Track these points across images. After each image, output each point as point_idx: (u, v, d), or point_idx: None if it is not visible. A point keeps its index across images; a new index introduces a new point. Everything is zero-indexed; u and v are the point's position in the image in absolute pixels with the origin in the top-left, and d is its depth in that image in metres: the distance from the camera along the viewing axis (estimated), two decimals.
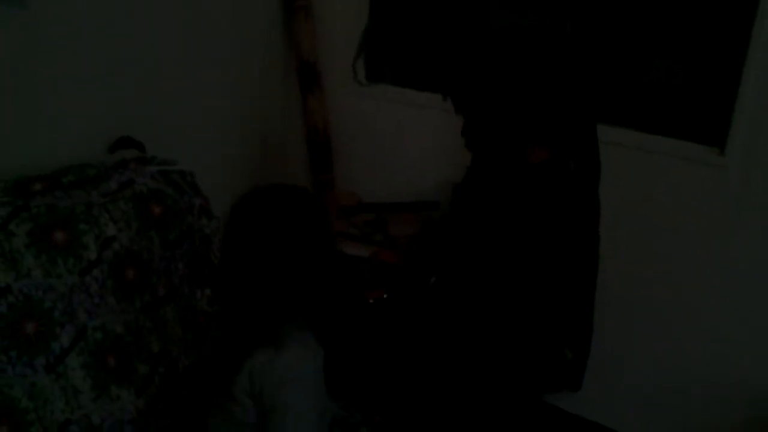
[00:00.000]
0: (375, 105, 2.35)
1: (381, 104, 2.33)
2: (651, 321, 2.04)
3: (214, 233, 1.79)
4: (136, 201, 1.65)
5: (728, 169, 1.78)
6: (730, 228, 1.83)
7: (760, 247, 1.80)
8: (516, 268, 1.51)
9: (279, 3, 2.32)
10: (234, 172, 2.26)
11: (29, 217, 1.44)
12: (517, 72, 1.48)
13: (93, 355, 1.49)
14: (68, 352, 1.45)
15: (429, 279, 1.72)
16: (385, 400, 1.69)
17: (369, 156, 2.45)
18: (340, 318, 1.44)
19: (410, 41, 2.38)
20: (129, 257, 1.60)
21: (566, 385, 2.04)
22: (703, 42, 1.83)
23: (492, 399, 1.64)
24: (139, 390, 1.56)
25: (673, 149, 1.86)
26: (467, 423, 1.63)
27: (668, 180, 1.89)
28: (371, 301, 1.84)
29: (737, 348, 1.92)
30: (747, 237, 1.81)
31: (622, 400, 2.18)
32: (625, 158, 1.89)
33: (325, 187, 2.50)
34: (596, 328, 1.82)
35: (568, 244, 1.52)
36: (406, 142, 2.35)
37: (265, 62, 2.35)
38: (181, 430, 1.58)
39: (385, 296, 1.86)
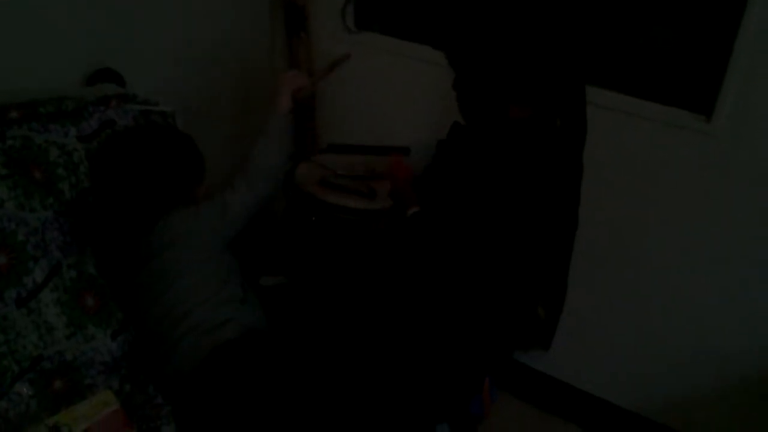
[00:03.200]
0: (363, 53, 2.30)
1: (369, 53, 2.28)
2: (626, 285, 2.06)
3: None
4: None
5: (714, 136, 1.77)
6: (714, 195, 1.84)
7: (742, 214, 1.81)
8: (494, 222, 1.51)
9: None
10: (215, 113, 2.22)
11: (4, 148, 1.41)
12: (506, 28, 1.46)
13: (68, 292, 1.48)
14: (42, 288, 1.44)
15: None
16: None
17: (353, 105, 2.42)
18: None
19: None
20: None
21: (537, 342, 2.07)
22: (696, 8, 1.81)
23: (462, 351, 1.65)
24: (115, 333, 1.56)
25: (660, 114, 1.85)
26: (435, 373, 1.65)
27: (653, 145, 1.88)
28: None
29: (712, 313, 1.95)
30: (731, 204, 1.82)
31: (592, 361, 2.22)
32: (611, 121, 1.88)
33: (307, 136, 2.47)
34: (570, 288, 1.83)
35: (547, 200, 1.52)
36: (392, 93, 2.32)
37: (252, 2, 2.30)
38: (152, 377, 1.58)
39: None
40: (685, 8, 1.81)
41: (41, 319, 1.43)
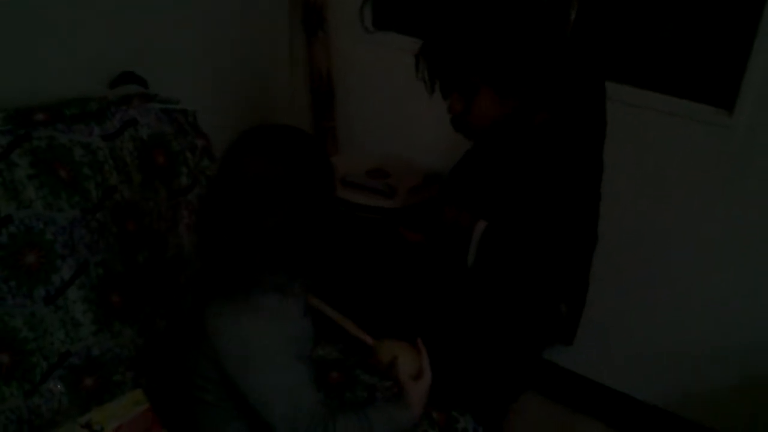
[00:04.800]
0: (381, 53, 2.31)
1: (387, 53, 2.30)
2: (648, 280, 2.06)
3: None
4: (140, 150, 1.63)
5: (736, 130, 1.77)
6: (736, 189, 1.83)
7: (763, 210, 1.81)
8: (518, 222, 1.51)
9: None
10: (235, 113, 2.24)
11: (31, 148, 1.43)
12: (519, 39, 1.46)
13: (95, 290, 1.49)
14: (69, 285, 1.45)
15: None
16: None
17: (372, 105, 2.43)
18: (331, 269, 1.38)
19: None
20: (130, 210, 1.60)
21: (559, 339, 2.06)
22: (716, 2, 1.80)
23: (491, 352, 1.66)
24: (142, 329, 1.57)
25: (681, 109, 1.84)
26: (465, 373, 1.66)
27: (674, 140, 1.88)
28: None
29: (734, 308, 1.94)
30: (753, 199, 1.81)
31: (614, 356, 2.21)
32: (631, 116, 1.88)
33: (327, 135, 2.49)
34: (592, 283, 1.83)
35: (569, 199, 1.52)
36: (411, 93, 2.32)
37: (270, 3, 2.31)
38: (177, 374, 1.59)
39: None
40: (704, 2, 1.80)
41: (68, 316, 1.45)
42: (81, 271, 1.48)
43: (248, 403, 1.21)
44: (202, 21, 2.03)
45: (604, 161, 1.62)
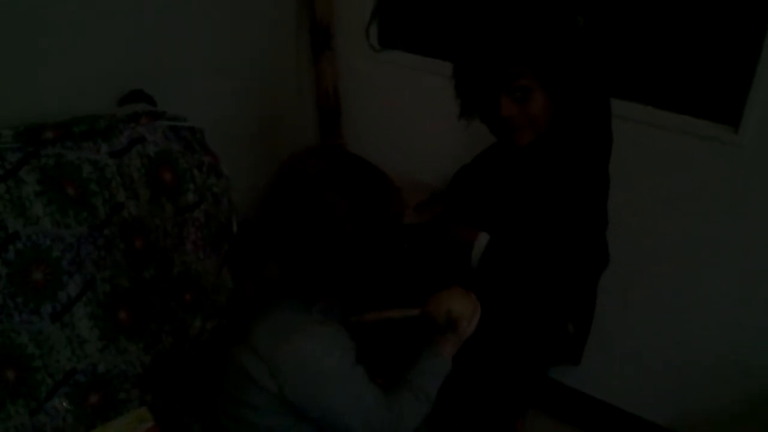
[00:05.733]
0: (387, 71, 2.33)
1: (393, 71, 2.31)
2: (653, 297, 2.05)
3: (223, 192, 1.79)
4: (147, 167, 1.64)
5: (742, 147, 1.76)
6: (743, 206, 1.82)
7: None
8: (524, 239, 1.51)
9: None
10: (243, 131, 2.25)
11: (39, 165, 1.44)
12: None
13: (102, 306, 1.50)
14: (75, 302, 1.46)
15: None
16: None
17: (379, 122, 2.44)
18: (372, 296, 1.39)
19: (425, 6, 2.35)
20: (137, 227, 1.61)
21: (566, 359, 2.05)
22: (720, 17, 1.81)
23: (498, 371, 1.65)
24: (148, 346, 1.57)
25: (686, 126, 1.84)
26: (472, 397, 1.65)
27: (679, 157, 1.87)
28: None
29: (744, 326, 1.92)
30: (758, 216, 1.81)
31: (623, 376, 2.19)
32: (635, 133, 1.88)
33: None
34: (599, 301, 1.82)
35: (575, 218, 1.52)
36: (418, 112, 2.34)
37: (277, 22, 2.33)
38: (185, 391, 1.59)
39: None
40: (709, 17, 1.81)
41: (74, 333, 1.45)
42: (88, 287, 1.48)
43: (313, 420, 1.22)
44: (209, 40, 2.05)
45: (610, 177, 1.62)
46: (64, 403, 1.40)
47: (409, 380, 1.31)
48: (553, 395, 2.28)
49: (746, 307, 1.91)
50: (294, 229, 1.16)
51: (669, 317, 2.04)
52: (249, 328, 1.23)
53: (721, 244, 1.89)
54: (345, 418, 1.21)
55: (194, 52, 2.00)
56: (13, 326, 1.36)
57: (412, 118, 2.36)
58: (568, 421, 2.26)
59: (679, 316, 2.02)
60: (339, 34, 2.36)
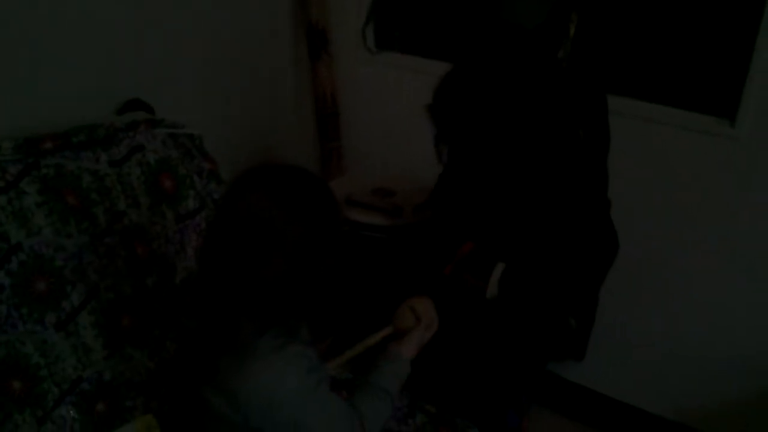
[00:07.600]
0: (384, 73, 2.34)
1: (390, 72, 2.32)
2: (654, 292, 2.06)
3: None
4: (147, 175, 1.64)
5: (739, 140, 1.77)
6: (741, 199, 1.83)
7: (767, 220, 1.80)
8: (525, 235, 1.52)
9: None
10: (242, 136, 2.26)
11: (39, 176, 1.45)
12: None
13: (105, 314, 1.50)
14: (79, 311, 1.46)
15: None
16: None
17: (377, 124, 2.45)
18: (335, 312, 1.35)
19: (420, 8, 2.36)
20: (139, 234, 1.61)
21: (570, 354, 2.06)
22: (715, 12, 1.81)
23: (499, 367, 1.65)
24: (152, 353, 1.58)
25: (683, 120, 1.85)
26: (473, 389, 1.65)
27: (677, 151, 1.88)
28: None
29: (743, 318, 1.93)
30: (755, 210, 1.81)
31: (626, 370, 2.20)
32: (633, 129, 1.89)
33: (332, 155, 2.50)
34: (601, 297, 1.83)
35: (575, 213, 1.52)
36: (414, 112, 2.34)
37: (274, 26, 2.34)
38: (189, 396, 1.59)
39: None
40: (703, 12, 1.81)
41: (79, 342, 1.45)
42: (91, 296, 1.48)
43: None
44: (206, 47, 2.05)
45: (608, 173, 1.63)
46: (71, 412, 1.40)
47: (371, 383, 1.32)
48: (558, 391, 2.28)
49: (751, 300, 1.92)
50: (248, 267, 1.13)
51: (672, 311, 2.05)
52: (212, 364, 1.20)
53: (721, 239, 1.90)
54: None
55: (191, 60, 2.00)
56: (18, 336, 1.36)
57: (410, 118, 2.35)
58: (573, 416, 2.27)
59: (682, 309, 2.03)
60: (335, 37, 2.37)
